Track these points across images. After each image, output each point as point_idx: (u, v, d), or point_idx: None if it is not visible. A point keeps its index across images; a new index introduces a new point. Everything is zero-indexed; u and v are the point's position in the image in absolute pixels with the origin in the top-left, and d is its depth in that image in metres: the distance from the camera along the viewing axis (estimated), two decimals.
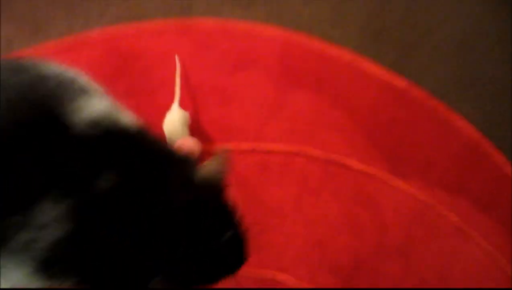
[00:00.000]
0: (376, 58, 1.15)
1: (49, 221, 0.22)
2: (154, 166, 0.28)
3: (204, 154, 1.00)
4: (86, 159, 0.24)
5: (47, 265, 0.22)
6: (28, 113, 0.24)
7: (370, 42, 1.19)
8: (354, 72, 1.13)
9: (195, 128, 1.06)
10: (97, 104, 0.29)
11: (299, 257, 1.00)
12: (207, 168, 0.30)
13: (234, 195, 1.08)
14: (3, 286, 0.22)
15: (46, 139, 0.23)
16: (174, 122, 0.97)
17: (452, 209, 0.99)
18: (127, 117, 0.31)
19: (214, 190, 0.29)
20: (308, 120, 1.08)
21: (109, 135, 0.26)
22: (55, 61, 0.46)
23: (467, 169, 1.03)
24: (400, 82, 1.13)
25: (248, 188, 1.04)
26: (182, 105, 1.12)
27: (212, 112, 1.09)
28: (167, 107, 1.10)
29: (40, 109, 0.25)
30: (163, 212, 0.26)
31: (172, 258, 0.26)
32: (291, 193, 1.03)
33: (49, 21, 1.24)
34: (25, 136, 0.23)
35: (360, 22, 1.21)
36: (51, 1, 1.27)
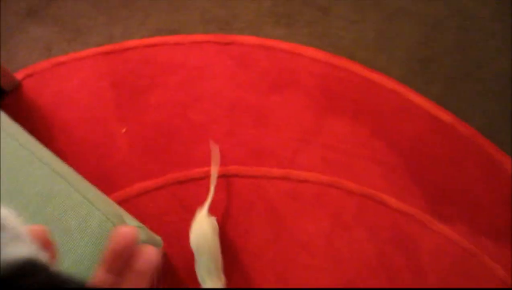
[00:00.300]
0: (422, 89, 1.09)
1: None
2: None
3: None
4: None
5: None
6: None
7: (416, 71, 1.13)
8: (398, 102, 1.07)
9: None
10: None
11: None
12: None
13: (262, 224, 1.04)
14: None
15: None
16: (203, 232, 0.84)
17: (499, 260, 0.91)
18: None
19: None
20: (345, 150, 1.02)
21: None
22: None
23: None
24: (446, 116, 1.06)
25: (278, 218, 1.00)
26: (213, 124, 1.09)
27: (244, 133, 1.06)
28: (199, 124, 1.08)
29: None
30: None
31: None
32: (323, 227, 0.98)
33: (90, 28, 1.24)
34: None
35: (407, 49, 1.16)
36: (93, 8, 1.28)
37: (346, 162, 1.01)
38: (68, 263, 0.62)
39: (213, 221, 0.90)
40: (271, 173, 1.01)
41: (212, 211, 0.99)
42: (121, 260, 0.28)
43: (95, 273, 0.28)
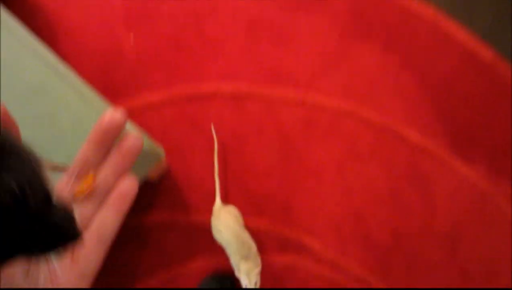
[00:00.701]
0: (465, 21, 0.98)
1: None
2: None
3: None
4: None
5: None
6: None
7: (461, 3, 1.00)
8: (435, 34, 0.96)
9: None
10: None
11: (332, 224, 0.92)
12: None
13: (271, 148, 1.00)
14: None
15: None
16: (226, 225, 0.80)
17: None
18: None
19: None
20: (369, 79, 0.94)
21: None
22: None
23: None
24: (487, 53, 0.96)
25: (288, 143, 0.95)
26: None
27: (261, 51, 0.97)
28: (214, 39, 0.99)
29: None
30: None
31: None
32: (335, 156, 0.93)
33: None
34: None
35: None
36: None
37: (369, 92, 0.94)
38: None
39: (231, 209, 0.85)
40: (286, 96, 0.95)
41: (219, 131, 0.95)
42: (106, 139, 0.27)
43: (80, 150, 0.26)
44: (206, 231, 0.94)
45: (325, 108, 0.94)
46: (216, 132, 0.94)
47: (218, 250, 0.93)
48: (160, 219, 0.95)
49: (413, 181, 0.90)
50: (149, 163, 0.82)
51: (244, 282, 0.76)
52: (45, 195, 0.21)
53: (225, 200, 0.93)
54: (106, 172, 0.28)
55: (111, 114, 0.28)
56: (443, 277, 0.91)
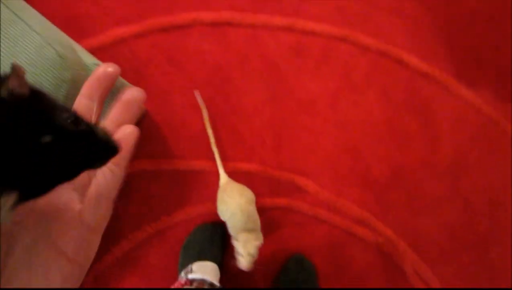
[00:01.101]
0: None
1: None
2: None
3: None
4: None
5: None
6: None
7: None
8: None
9: None
10: None
11: (326, 162, 0.86)
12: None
13: (258, 81, 0.91)
14: None
15: None
16: (235, 202, 0.71)
17: None
18: None
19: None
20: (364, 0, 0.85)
21: None
22: None
23: None
24: None
25: (276, 74, 0.86)
26: None
27: None
28: None
29: None
30: None
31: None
32: (328, 86, 0.85)
33: None
34: None
35: None
36: None
37: (364, 12, 0.84)
38: None
39: (243, 189, 0.75)
40: (272, 21, 0.84)
41: (199, 64, 0.85)
42: (101, 88, 0.27)
43: (76, 101, 0.27)
44: (193, 179, 0.87)
45: (316, 35, 0.84)
46: (197, 69, 0.85)
47: (207, 198, 0.86)
48: (143, 168, 0.87)
49: (413, 110, 0.83)
50: None
51: (240, 251, 0.66)
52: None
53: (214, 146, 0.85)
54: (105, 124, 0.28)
55: (105, 67, 0.28)
56: (446, 211, 0.86)
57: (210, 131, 0.84)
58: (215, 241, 0.83)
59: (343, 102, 0.84)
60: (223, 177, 0.80)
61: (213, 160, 0.86)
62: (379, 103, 0.84)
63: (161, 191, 0.87)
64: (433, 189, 0.85)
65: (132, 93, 0.30)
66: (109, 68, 0.28)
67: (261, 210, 0.85)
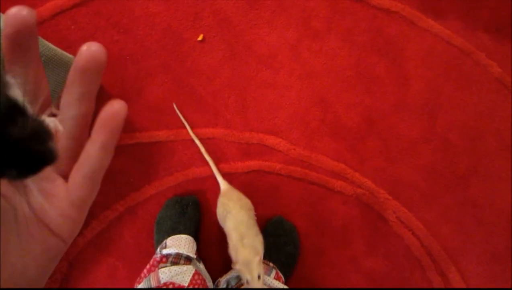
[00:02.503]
0: None
1: None
2: None
3: None
4: None
5: None
6: None
7: None
8: None
9: None
10: None
11: (295, 117, 0.82)
12: None
13: (212, 38, 0.85)
14: None
15: None
16: (238, 218, 0.64)
17: (496, 58, 0.76)
18: None
19: None
20: None
21: None
22: None
23: None
24: None
25: (231, 30, 0.80)
26: None
27: None
28: None
29: None
30: None
31: None
32: (288, 37, 0.80)
33: None
34: None
35: None
36: None
37: None
38: None
39: (243, 199, 0.69)
40: None
41: (149, 29, 0.79)
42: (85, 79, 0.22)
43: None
44: (157, 151, 0.83)
45: None
46: (146, 34, 0.79)
47: (174, 169, 0.83)
48: None
49: (380, 51, 0.79)
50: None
51: (247, 277, 0.57)
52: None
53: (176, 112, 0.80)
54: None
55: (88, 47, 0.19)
56: (424, 154, 0.83)
57: (198, 142, 0.80)
58: (188, 213, 0.80)
59: (305, 52, 0.80)
60: (223, 184, 0.75)
61: (177, 128, 0.82)
62: (343, 48, 0.79)
63: (126, 167, 0.83)
64: (408, 132, 0.82)
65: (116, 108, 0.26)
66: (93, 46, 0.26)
67: (233, 176, 0.82)
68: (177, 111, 0.81)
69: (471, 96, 0.79)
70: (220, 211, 0.70)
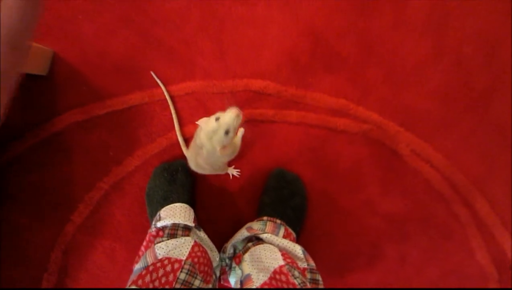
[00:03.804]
0: None
1: None
2: None
3: None
4: None
5: None
6: None
7: None
8: None
9: None
10: None
11: (281, 54, 0.71)
12: None
13: None
14: None
15: None
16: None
17: None
18: None
19: None
20: None
21: None
22: None
23: None
24: None
25: None
26: None
27: None
28: None
29: None
30: None
31: None
32: None
33: None
34: None
35: None
36: None
37: None
38: None
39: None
40: None
41: None
42: None
43: None
44: (134, 117, 0.74)
45: None
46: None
47: (156, 135, 0.74)
48: (74, 121, 0.74)
49: None
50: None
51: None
52: None
53: (137, 66, 0.71)
54: None
55: None
56: (434, 76, 0.72)
57: (174, 115, 0.72)
58: (178, 179, 0.72)
59: None
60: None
61: (151, 87, 0.72)
62: None
63: (103, 140, 0.74)
64: (413, 53, 0.71)
65: None
66: None
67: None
68: (155, 77, 0.72)
69: (481, 3, 0.67)
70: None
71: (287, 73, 0.72)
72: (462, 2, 0.70)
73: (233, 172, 0.73)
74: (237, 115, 0.52)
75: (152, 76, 0.72)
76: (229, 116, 0.51)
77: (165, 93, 0.72)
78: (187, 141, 0.73)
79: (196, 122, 0.56)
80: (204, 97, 0.73)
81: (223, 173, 0.71)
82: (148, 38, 0.72)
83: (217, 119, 0.52)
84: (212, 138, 0.52)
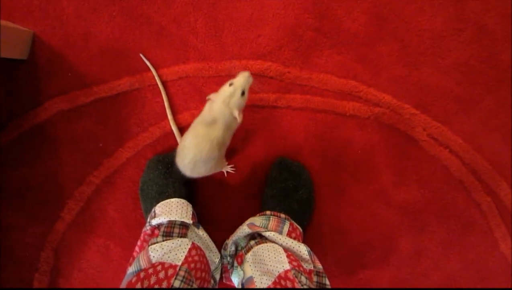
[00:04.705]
0: None
1: None
2: None
3: None
4: None
5: None
6: None
7: None
8: None
9: None
10: None
11: (283, 32, 0.64)
12: None
13: None
14: None
15: None
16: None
17: None
18: None
19: None
20: None
21: None
22: None
23: None
24: None
25: None
26: None
27: None
28: None
29: None
30: None
31: None
32: None
33: None
34: None
35: None
36: None
37: None
38: None
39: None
40: None
41: None
42: None
43: None
44: (123, 104, 0.67)
45: None
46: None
47: (148, 123, 0.68)
48: (59, 109, 0.68)
49: None
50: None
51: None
52: None
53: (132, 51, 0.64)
54: None
55: None
56: (455, 49, 0.64)
57: (166, 102, 0.67)
58: (174, 172, 0.66)
59: None
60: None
61: (141, 71, 0.66)
62: None
63: (91, 131, 0.68)
64: (431, 25, 0.63)
65: None
66: None
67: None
68: (145, 60, 0.65)
69: None
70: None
71: (289, 53, 0.65)
72: None
73: (227, 168, 0.67)
74: (249, 76, 0.55)
75: (142, 59, 0.66)
76: (243, 75, 0.54)
77: (156, 78, 0.66)
78: (182, 131, 0.67)
79: (207, 98, 0.56)
80: (199, 81, 0.66)
81: (220, 169, 0.65)
82: (134, 16, 0.65)
83: (230, 84, 0.54)
84: (230, 104, 0.53)
